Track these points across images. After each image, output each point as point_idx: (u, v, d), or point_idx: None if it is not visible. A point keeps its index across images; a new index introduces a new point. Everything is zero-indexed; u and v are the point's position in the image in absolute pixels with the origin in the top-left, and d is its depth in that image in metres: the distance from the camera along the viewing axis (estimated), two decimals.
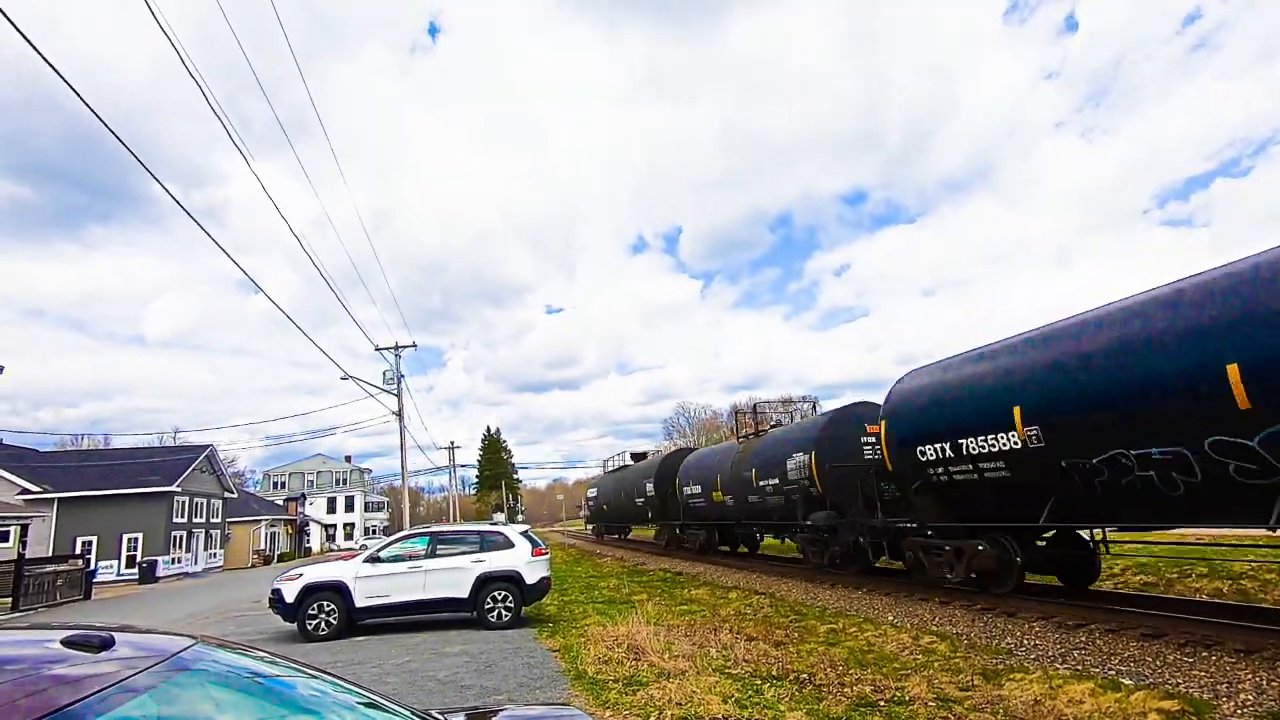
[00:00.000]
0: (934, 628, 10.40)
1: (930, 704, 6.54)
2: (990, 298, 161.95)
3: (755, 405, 30.36)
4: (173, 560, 38.69)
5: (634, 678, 7.45)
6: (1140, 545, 15.89)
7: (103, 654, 1.60)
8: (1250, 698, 6.20)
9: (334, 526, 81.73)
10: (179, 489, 39.08)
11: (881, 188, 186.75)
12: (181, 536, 40.34)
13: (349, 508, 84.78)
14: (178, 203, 9.66)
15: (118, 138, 8.13)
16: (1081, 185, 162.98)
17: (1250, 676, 6.76)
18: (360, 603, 11.36)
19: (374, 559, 11.72)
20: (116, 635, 1.73)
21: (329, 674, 2.17)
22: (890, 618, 11.46)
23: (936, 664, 8.17)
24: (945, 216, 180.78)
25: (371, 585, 11.41)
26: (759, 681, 7.35)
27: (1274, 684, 6.48)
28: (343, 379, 26.83)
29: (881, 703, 6.62)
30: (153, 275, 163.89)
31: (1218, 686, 6.58)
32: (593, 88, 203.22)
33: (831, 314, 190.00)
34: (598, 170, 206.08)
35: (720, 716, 6.09)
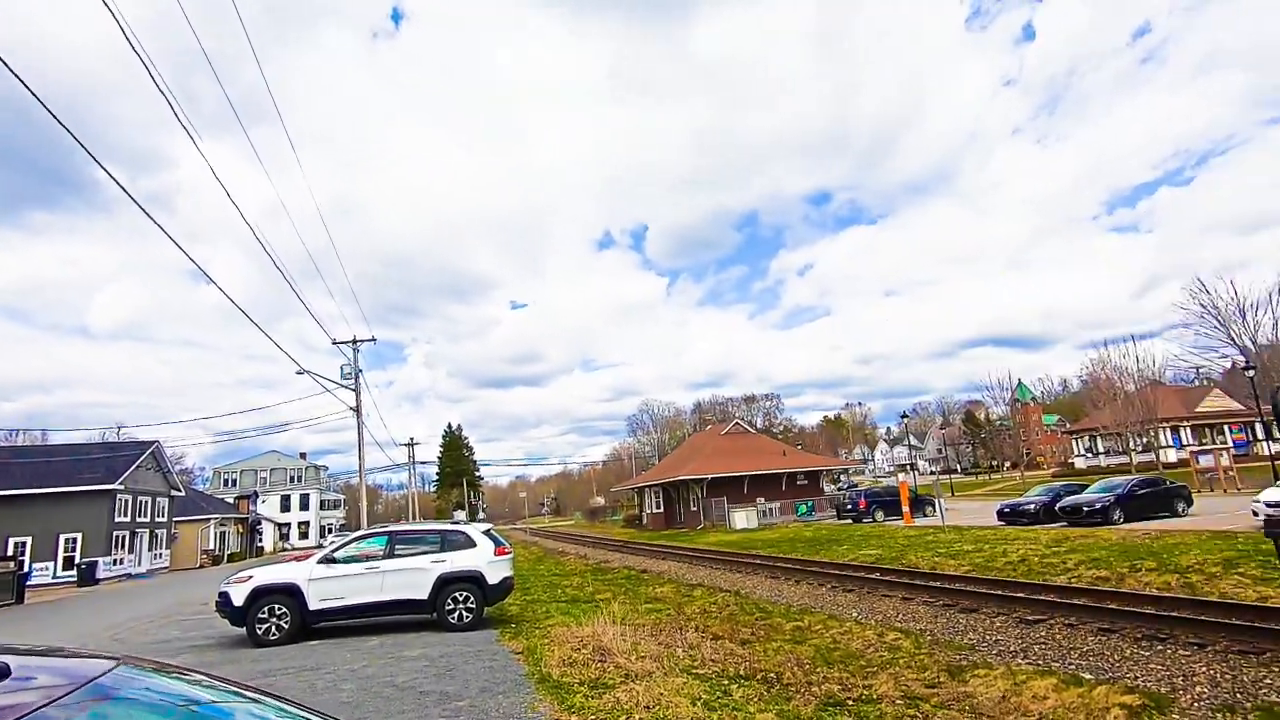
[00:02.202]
0: (898, 624, 10.47)
1: (898, 702, 6.52)
2: (950, 299, 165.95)
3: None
4: (115, 561, 37.03)
5: (600, 680, 7.28)
6: (1093, 539, 16.35)
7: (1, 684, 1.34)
8: (1205, 690, 6.34)
9: (288, 525, 79.50)
10: (121, 487, 37.42)
11: (846, 189, 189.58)
12: (124, 536, 38.65)
13: (304, 506, 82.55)
14: (120, 186, 9.10)
15: (54, 116, 7.58)
16: (1039, 191, 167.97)
17: (1204, 669, 6.92)
18: (314, 605, 10.92)
19: (329, 559, 11.29)
20: (16, 661, 1.46)
21: (274, 696, 1.93)
22: (854, 614, 11.52)
23: (902, 661, 8.19)
24: (907, 219, 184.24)
25: (326, 587, 10.99)
26: (727, 681, 7.25)
27: (1227, 677, 6.64)
28: (298, 374, 26.02)
29: (850, 701, 6.58)
30: (99, 263, 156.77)
31: (1174, 680, 6.71)
32: (562, 82, 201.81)
33: (795, 313, 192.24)
34: (566, 165, 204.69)
35: (690, 719, 5.96)
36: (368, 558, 11.34)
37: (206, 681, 1.88)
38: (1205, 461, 34.28)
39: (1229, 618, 8.55)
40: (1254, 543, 13.52)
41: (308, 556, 11.85)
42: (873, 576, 15.06)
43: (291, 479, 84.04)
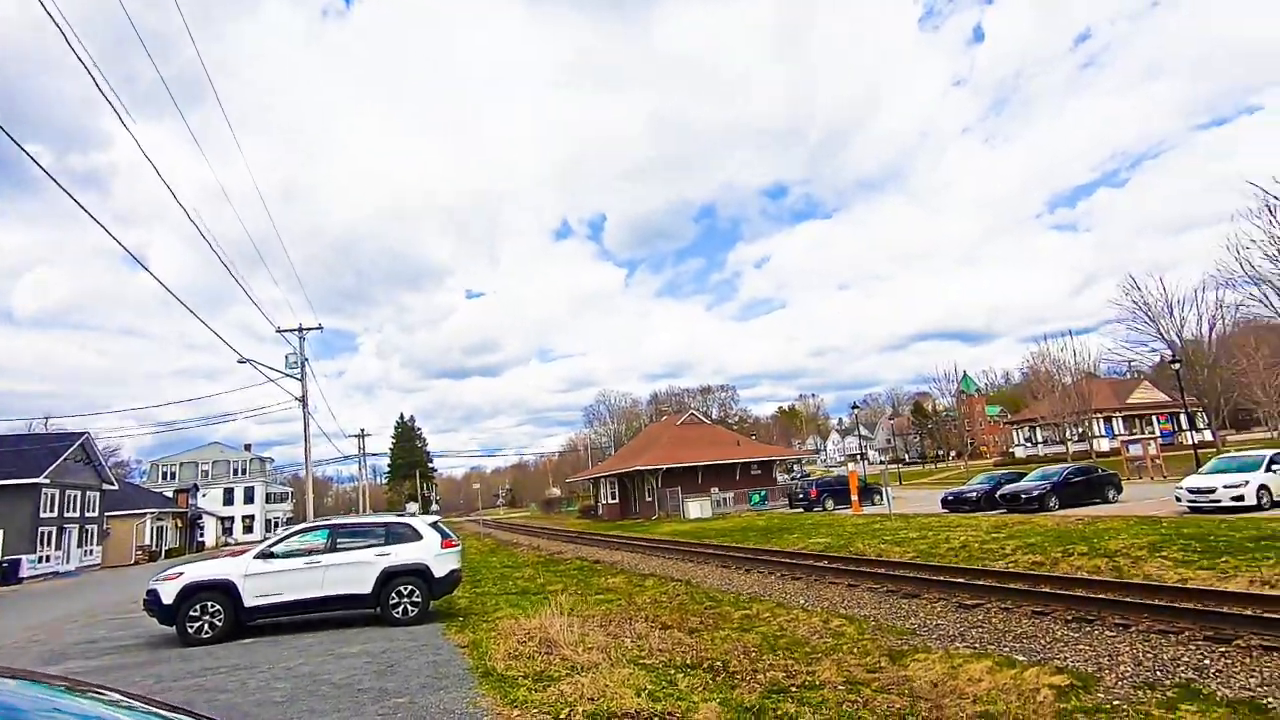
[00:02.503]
0: (843, 610, 10.66)
1: (840, 687, 6.61)
2: (901, 294, 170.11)
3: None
4: (40, 559, 35.19)
5: (545, 673, 7.18)
6: (1030, 525, 16.96)
7: None
8: (1129, 669, 6.60)
9: (231, 519, 76.87)
10: (47, 480, 35.54)
11: (801, 183, 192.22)
12: (51, 533, 36.75)
13: (248, 499, 79.88)
14: (37, 164, 8.50)
15: None
16: (986, 190, 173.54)
17: (1128, 649, 7.21)
18: (250, 602, 10.51)
19: (266, 554, 10.87)
20: None
21: (161, 704, 1.77)
22: (802, 601, 11.69)
23: (845, 647, 8.32)
24: (861, 214, 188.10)
25: (263, 583, 10.59)
26: (673, 671, 7.24)
27: (1149, 656, 6.93)
28: (240, 363, 25.05)
29: (793, 688, 6.64)
30: (26, 245, 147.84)
31: (1100, 660, 6.97)
32: (521, 68, 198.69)
33: (751, 305, 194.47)
34: (524, 153, 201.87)
35: (633, 710, 5.92)
36: (308, 552, 10.97)
37: (85, 690, 1.71)
38: (1135, 450, 35.97)
39: (1152, 599, 8.95)
40: (1176, 527, 14.21)
41: (244, 552, 11.40)
42: (820, 564, 15.33)
43: (235, 472, 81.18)
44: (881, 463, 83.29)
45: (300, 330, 28.66)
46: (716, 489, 43.02)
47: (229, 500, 78.54)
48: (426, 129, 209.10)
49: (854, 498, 30.29)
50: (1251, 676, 6.06)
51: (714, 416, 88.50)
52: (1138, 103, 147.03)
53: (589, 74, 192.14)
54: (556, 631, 8.59)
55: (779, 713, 5.83)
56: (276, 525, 74.54)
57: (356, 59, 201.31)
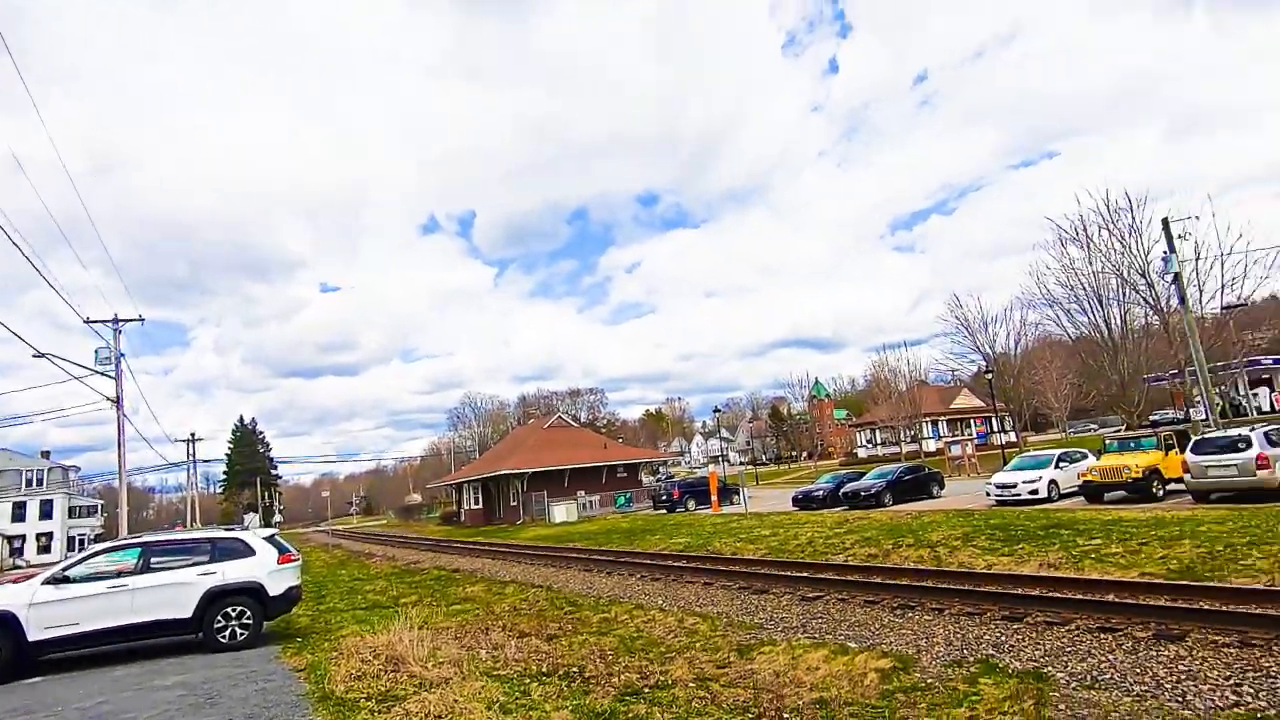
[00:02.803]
0: (697, 609, 11.01)
1: (690, 685, 6.80)
2: (764, 303, 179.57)
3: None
4: None
5: (391, 692, 6.79)
6: (867, 520, 18.47)
7: None
8: (942, 649, 7.33)
9: (22, 539, 66.35)
10: None
11: (672, 192, 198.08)
12: None
13: (45, 514, 69.29)
14: None
15: None
16: (839, 210, 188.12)
17: (942, 631, 8.02)
18: (37, 635, 9.07)
19: (60, 579, 9.44)
20: None
21: None
22: (660, 602, 11.94)
23: (698, 644, 8.59)
24: (728, 225, 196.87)
25: (55, 612, 9.18)
26: (528, 681, 7.11)
27: (958, 636, 7.74)
28: (36, 357, 21.72)
29: (646, 689, 6.74)
30: None
31: (919, 642, 7.69)
32: (392, 54, 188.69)
33: (622, 309, 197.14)
34: (391, 142, 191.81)
35: None
36: (116, 574, 9.66)
37: None
38: (955, 451, 40.31)
39: (962, 584, 10.03)
40: (985, 519, 16.04)
41: (31, 577, 9.85)
42: (680, 564, 15.77)
43: (29, 482, 70.19)
44: (741, 464, 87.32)
45: (116, 322, 25.40)
46: (583, 492, 43.08)
47: (19, 516, 67.76)
48: (282, 108, 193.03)
49: (714, 498, 31.50)
50: (1037, 649, 6.95)
51: (583, 419, 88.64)
52: (964, 141, 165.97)
53: (465, 66, 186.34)
54: (405, 647, 8.17)
55: (631, 715, 5.89)
56: (82, 544, 65.31)
57: (201, 22, 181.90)
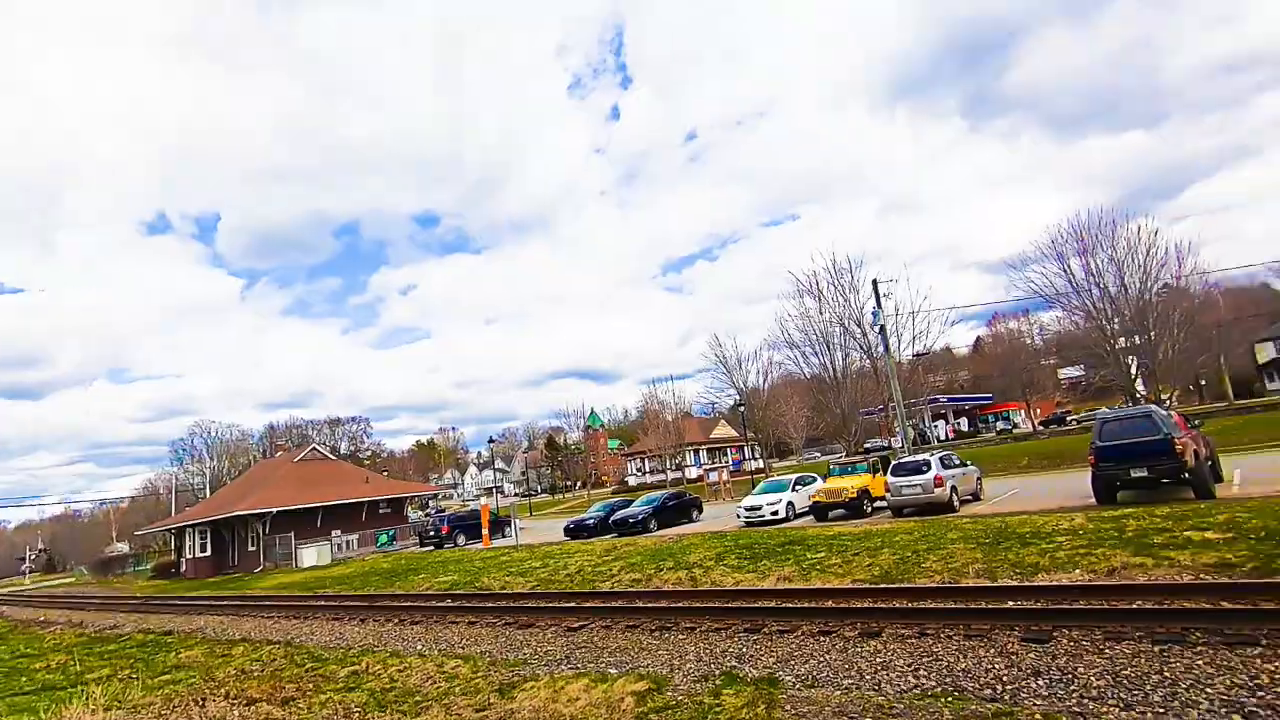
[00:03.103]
0: (460, 650, 10.49)
1: None
2: (544, 333, 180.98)
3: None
4: None
5: None
6: (634, 546, 19.22)
7: None
8: (693, 666, 7.80)
9: None
10: None
11: (455, 216, 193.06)
12: None
13: None
14: None
15: None
16: (617, 248, 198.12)
17: (694, 648, 8.54)
18: None
19: None
20: None
21: None
22: (419, 647, 11.17)
23: (458, 689, 8.16)
24: (511, 254, 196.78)
25: None
26: None
27: (707, 653, 8.30)
28: None
29: None
30: None
31: (673, 662, 8.10)
32: (112, 26, 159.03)
33: (394, 333, 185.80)
34: (106, 126, 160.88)
35: None
36: None
37: None
38: (713, 477, 43.92)
39: (713, 602, 10.83)
40: (735, 539, 17.59)
41: None
42: (444, 604, 14.96)
43: None
44: (516, 495, 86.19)
45: None
46: (339, 532, 39.25)
47: None
48: None
49: (485, 531, 30.60)
50: (771, 656, 7.70)
51: (343, 451, 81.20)
52: (727, 197, 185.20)
53: (210, 47, 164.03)
54: None
55: None
56: None
57: None
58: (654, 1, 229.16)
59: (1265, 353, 58.54)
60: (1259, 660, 5.55)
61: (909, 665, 6.70)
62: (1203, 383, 51.15)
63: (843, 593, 10.27)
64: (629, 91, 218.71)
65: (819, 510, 21.59)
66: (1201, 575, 8.60)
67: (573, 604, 12.47)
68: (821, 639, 8.05)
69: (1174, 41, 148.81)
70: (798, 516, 23.03)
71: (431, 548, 34.13)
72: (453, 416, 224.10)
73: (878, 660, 6.99)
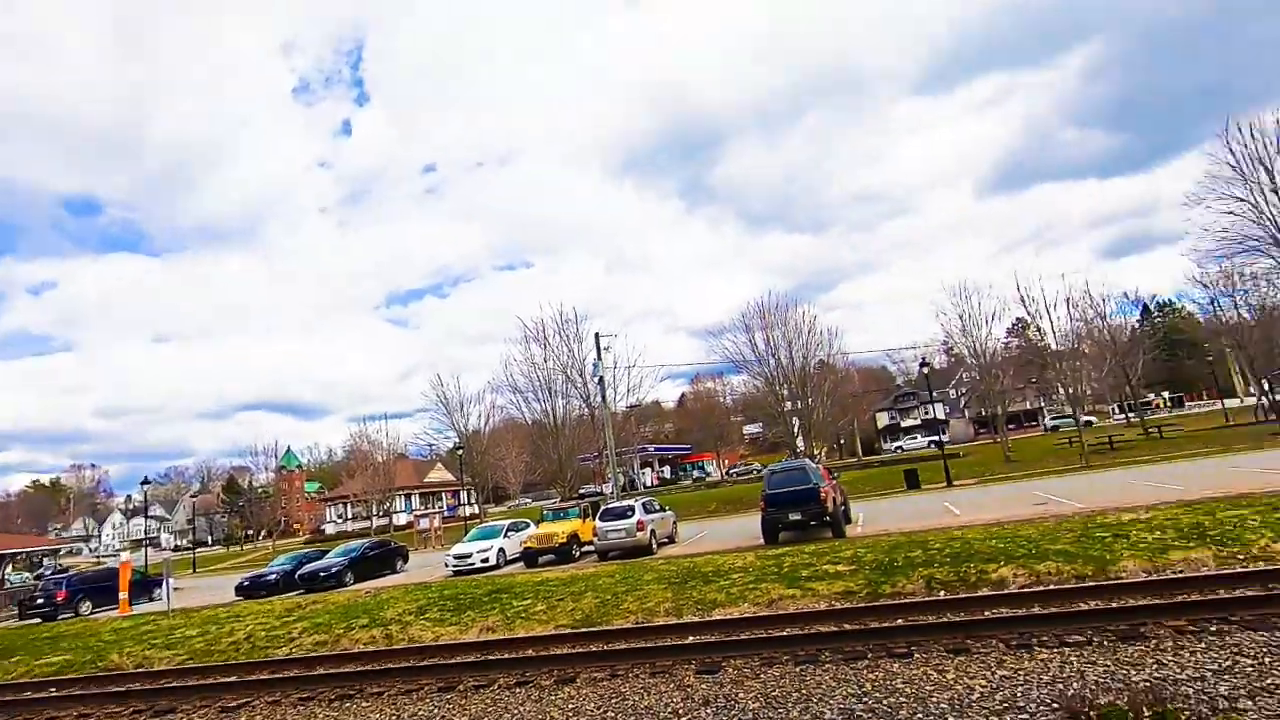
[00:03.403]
0: None
1: None
2: (235, 359, 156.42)
3: None
4: None
5: None
6: (324, 604, 17.07)
7: None
8: None
9: None
10: None
11: (127, 207, 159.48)
12: None
13: None
14: None
15: None
16: (335, 270, 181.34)
17: (378, 715, 7.76)
18: None
19: None
20: None
21: None
22: None
23: None
24: (199, 262, 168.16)
25: None
26: None
27: (394, 717, 7.60)
28: None
29: None
30: None
31: None
32: None
33: (15, 340, 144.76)
34: None
35: None
36: None
37: None
38: (424, 524, 41.59)
39: (407, 661, 10.04)
40: (440, 590, 16.68)
41: None
42: (41, 696, 11.57)
43: None
44: (178, 547, 71.71)
45: None
46: None
47: None
48: None
49: (123, 595, 24.75)
50: (464, 715, 7.32)
51: None
52: (462, 235, 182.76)
53: None
54: None
55: None
56: None
57: None
58: (400, 23, 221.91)
59: (883, 420, 75.44)
60: (866, 671, 6.81)
61: (598, 709, 6.89)
62: (842, 441, 63.56)
63: (545, 640, 10.30)
64: (365, 109, 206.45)
65: (529, 556, 21.62)
66: (833, 602, 10.40)
67: (234, 678, 10.57)
68: (518, 690, 7.92)
69: (836, 168, 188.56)
70: (509, 563, 22.78)
71: (39, 620, 26.46)
72: (92, 451, 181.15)
73: (569, 707, 7.07)
